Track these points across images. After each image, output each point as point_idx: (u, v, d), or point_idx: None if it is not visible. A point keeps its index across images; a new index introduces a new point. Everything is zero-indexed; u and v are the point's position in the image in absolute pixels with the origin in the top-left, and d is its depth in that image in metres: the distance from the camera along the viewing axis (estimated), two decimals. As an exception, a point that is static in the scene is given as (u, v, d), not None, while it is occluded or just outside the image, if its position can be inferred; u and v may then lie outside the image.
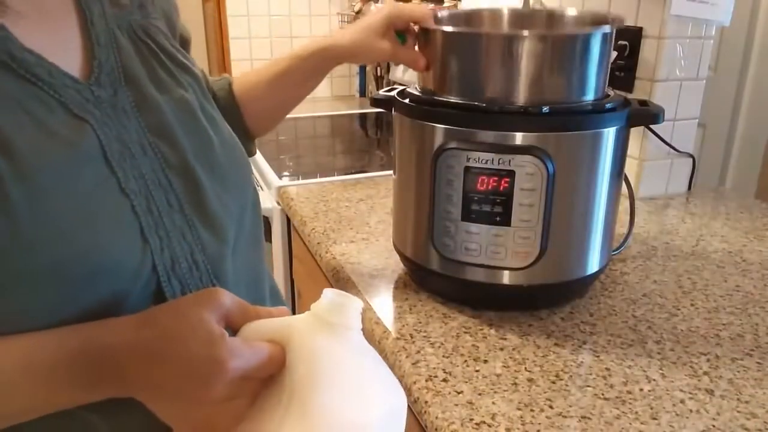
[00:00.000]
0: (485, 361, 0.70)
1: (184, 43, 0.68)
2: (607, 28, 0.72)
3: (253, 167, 1.61)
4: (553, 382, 0.66)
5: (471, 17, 0.89)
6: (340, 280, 0.91)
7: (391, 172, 0.89)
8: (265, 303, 0.66)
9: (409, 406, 0.69)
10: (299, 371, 0.43)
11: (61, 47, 0.51)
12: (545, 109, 0.69)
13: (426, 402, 0.64)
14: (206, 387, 0.43)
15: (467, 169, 0.72)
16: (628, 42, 1.15)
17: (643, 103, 0.78)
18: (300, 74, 0.82)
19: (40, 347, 0.44)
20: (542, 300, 0.81)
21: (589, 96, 0.73)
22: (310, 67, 0.81)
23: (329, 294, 0.46)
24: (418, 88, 0.81)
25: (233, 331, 0.47)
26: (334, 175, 1.41)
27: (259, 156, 1.52)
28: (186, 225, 0.53)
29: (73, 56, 0.51)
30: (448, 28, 0.76)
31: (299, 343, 0.44)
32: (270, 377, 0.45)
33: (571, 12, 0.83)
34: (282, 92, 0.83)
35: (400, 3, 0.83)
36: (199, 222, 0.54)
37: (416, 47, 0.80)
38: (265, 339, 0.45)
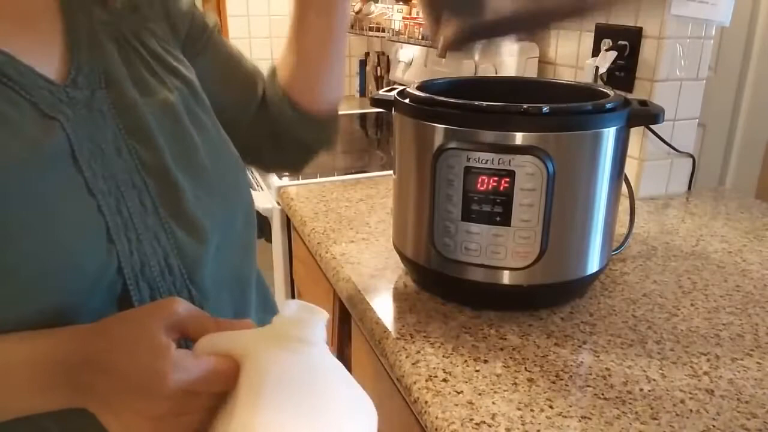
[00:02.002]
0: (485, 361, 0.70)
1: (201, 30, 0.67)
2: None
3: (252, 168, 1.61)
4: (553, 382, 0.66)
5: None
6: (340, 280, 0.91)
7: (391, 172, 0.89)
8: (249, 310, 0.65)
9: (409, 406, 0.69)
10: (248, 387, 0.41)
11: (40, 49, 0.51)
12: (545, 109, 0.69)
13: (426, 402, 0.64)
14: (146, 400, 0.41)
15: (467, 169, 0.72)
16: (628, 42, 1.15)
17: (643, 103, 0.78)
18: (303, 23, 0.76)
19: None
20: (542, 300, 0.81)
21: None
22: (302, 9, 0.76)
23: (292, 306, 0.44)
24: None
25: (192, 342, 0.46)
26: (334, 175, 1.41)
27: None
28: (160, 228, 0.52)
29: (52, 58, 0.52)
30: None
31: (253, 358, 0.42)
32: (227, 393, 0.44)
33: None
34: (305, 51, 0.75)
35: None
36: (176, 225, 0.53)
37: None
38: (221, 352, 0.43)
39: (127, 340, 0.43)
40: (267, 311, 0.70)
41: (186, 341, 0.47)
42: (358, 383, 0.48)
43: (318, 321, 0.44)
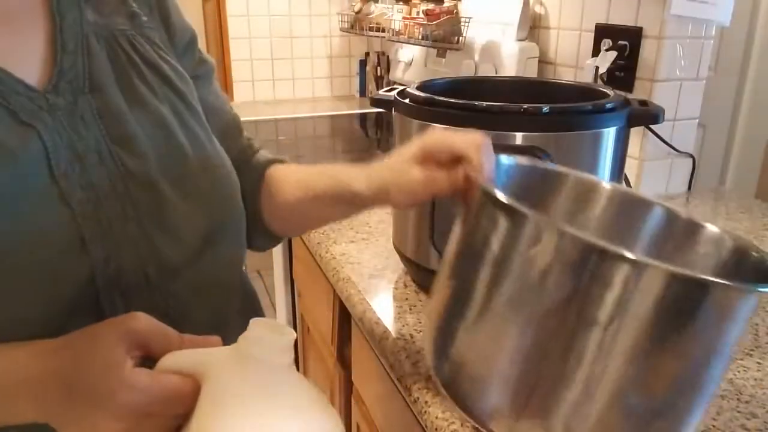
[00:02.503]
0: (485, 361, 0.70)
1: (188, 43, 0.65)
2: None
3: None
4: (553, 382, 0.66)
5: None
6: (340, 280, 0.91)
7: (391, 172, 0.88)
8: (227, 323, 0.62)
9: (409, 406, 0.69)
10: (206, 409, 0.40)
11: (22, 54, 0.50)
12: (545, 109, 0.69)
13: (426, 402, 0.64)
14: (99, 419, 0.40)
15: (467, 169, 0.72)
16: (628, 42, 1.15)
17: (643, 103, 0.78)
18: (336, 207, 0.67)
19: None
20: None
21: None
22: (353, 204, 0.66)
23: (255, 326, 0.42)
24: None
25: (156, 359, 0.44)
26: (334, 175, 1.41)
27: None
28: (142, 236, 0.51)
29: (34, 63, 0.50)
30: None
31: (213, 378, 0.41)
32: (189, 414, 0.42)
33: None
34: (315, 213, 0.69)
35: (443, 132, 0.59)
36: (158, 235, 0.52)
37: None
38: (183, 370, 0.42)
39: (85, 354, 0.42)
40: (252, 317, 0.69)
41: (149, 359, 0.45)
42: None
43: (283, 341, 0.42)
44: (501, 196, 0.45)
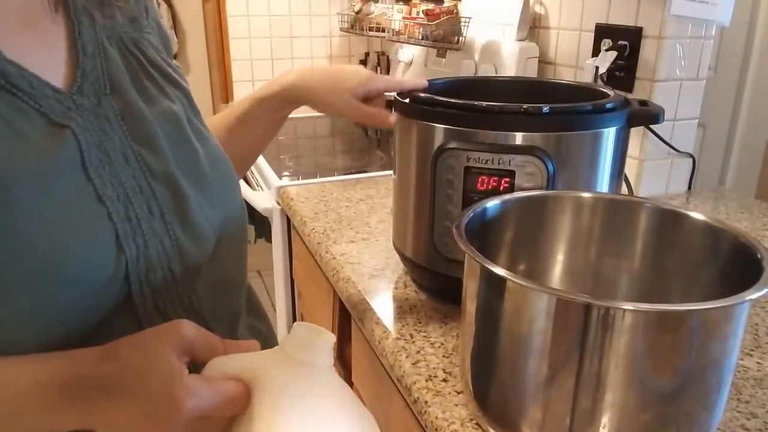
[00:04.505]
0: (485, 361, 0.70)
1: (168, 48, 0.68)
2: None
3: (252, 169, 1.61)
4: (553, 382, 0.66)
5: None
6: (340, 280, 0.91)
7: (391, 172, 0.89)
8: (240, 317, 0.65)
9: (409, 406, 0.69)
10: (262, 412, 0.42)
11: (45, 57, 0.51)
12: (545, 109, 0.69)
13: (426, 402, 0.64)
14: (162, 426, 0.41)
15: (467, 169, 0.72)
16: (628, 42, 1.15)
17: (643, 103, 0.78)
18: (257, 118, 0.80)
19: (12, 373, 0.44)
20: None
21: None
22: (268, 111, 0.80)
23: (300, 329, 0.44)
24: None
25: (200, 365, 0.46)
26: (334, 175, 1.41)
27: (259, 156, 1.52)
28: (166, 233, 0.53)
29: (58, 66, 0.52)
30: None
31: (264, 382, 0.43)
32: (236, 416, 0.44)
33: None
34: (240, 138, 0.80)
35: (382, 76, 0.82)
36: (180, 231, 0.54)
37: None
38: (231, 375, 0.44)
39: (139, 365, 0.43)
40: (253, 315, 0.71)
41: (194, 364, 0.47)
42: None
43: (326, 344, 0.44)
44: (498, 270, 0.50)
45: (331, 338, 0.44)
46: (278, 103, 0.80)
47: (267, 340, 0.71)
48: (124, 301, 0.50)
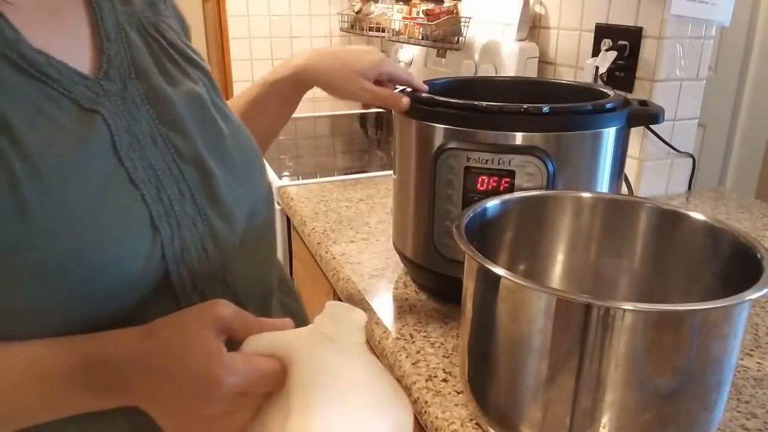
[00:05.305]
0: (485, 361, 0.70)
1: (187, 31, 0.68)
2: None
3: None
4: (553, 382, 0.66)
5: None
6: (340, 280, 0.91)
7: (391, 172, 0.89)
8: (272, 295, 0.66)
9: (409, 406, 0.69)
10: (300, 388, 0.43)
11: (71, 44, 0.52)
12: (545, 109, 0.69)
13: (426, 402, 0.64)
14: (203, 403, 0.42)
15: (467, 169, 0.72)
16: (628, 42, 1.15)
17: (643, 103, 0.78)
18: (269, 102, 0.80)
19: (49, 354, 0.45)
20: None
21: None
22: (279, 94, 0.80)
23: (331, 307, 0.45)
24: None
25: (237, 343, 0.47)
26: (334, 175, 1.41)
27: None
28: (197, 214, 0.53)
29: (83, 52, 0.52)
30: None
31: (300, 359, 0.44)
32: (272, 392, 0.45)
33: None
34: (254, 122, 0.76)
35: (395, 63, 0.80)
36: (211, 211, 0.54)
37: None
38: (267, 353, 0.45)
39: (178, 344, 0.44)
40: (284, 293, 0.71)
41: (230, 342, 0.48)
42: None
43: (357, 322, 0.45)
44: (498, 270, 0.50)
45: (363, 316, 0.46)
46: (289, 86, 0.80)
47: (299, 316, 0.72)
48: (162, 282, 0.51)
